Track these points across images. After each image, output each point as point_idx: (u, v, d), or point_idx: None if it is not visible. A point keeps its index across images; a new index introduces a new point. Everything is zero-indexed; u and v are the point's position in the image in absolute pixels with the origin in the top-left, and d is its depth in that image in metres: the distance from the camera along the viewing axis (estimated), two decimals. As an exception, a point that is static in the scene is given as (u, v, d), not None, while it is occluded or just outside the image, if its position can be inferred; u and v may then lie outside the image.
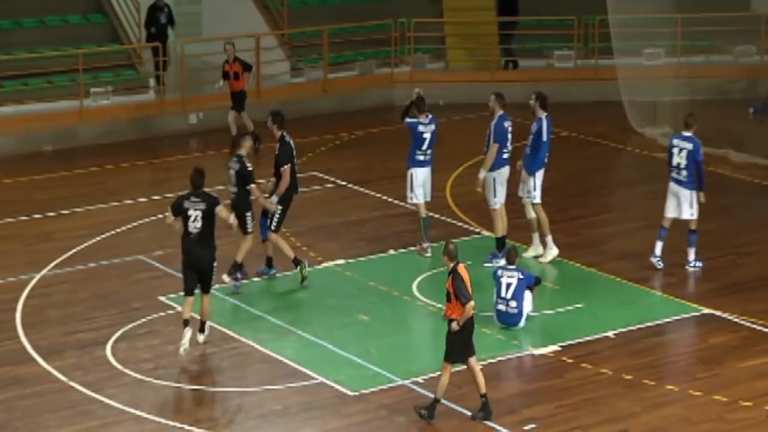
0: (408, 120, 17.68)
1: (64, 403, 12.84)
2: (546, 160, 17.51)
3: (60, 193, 20.74)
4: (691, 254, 17.52)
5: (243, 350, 15.12)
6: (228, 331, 15.53)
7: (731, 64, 27.61)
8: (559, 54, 27.38)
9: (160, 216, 19.72)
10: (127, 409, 13.51)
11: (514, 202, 18.07)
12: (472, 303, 13.16)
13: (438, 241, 18.40)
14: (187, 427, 13.21)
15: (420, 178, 17.78)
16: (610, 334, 15.54)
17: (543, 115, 17.44)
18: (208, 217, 14.52)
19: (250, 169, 16.20)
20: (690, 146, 17.15)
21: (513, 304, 15.57)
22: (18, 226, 19.34)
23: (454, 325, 13.23)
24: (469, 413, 13.50)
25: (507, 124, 17.47)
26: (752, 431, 13.33)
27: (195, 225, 14.54)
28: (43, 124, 23.15)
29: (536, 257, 17.78)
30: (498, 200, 17.59)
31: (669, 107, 23.80)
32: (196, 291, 14.68)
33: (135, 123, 24.11)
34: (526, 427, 13.30)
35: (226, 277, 16.48)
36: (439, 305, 16.24)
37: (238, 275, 16.63)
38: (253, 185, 16.22)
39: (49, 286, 16.84)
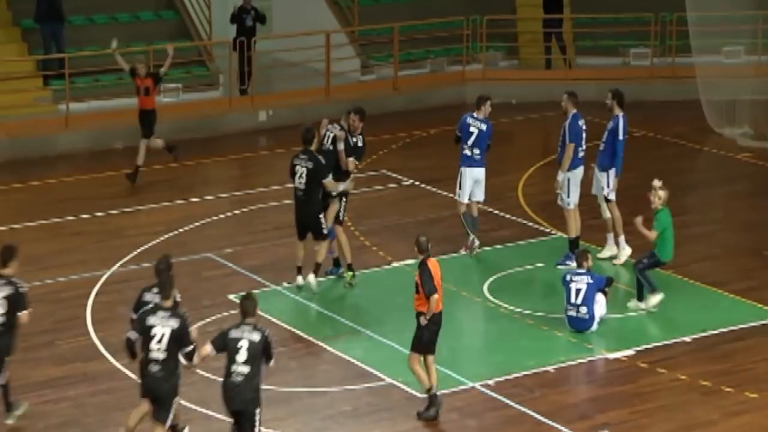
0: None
1: (133, 400, 12.76)
2: (622, 159, 17.21)
3: (131, 190, 20.76)
4: None
5: (312, 350, 15.00)
6: (297, 331, 15.42)
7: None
8: (635, 52, 26.95)
9: (229, 214, 19.73)
10: (195, 408, 13.43)
11: (587, 202, 17.77)
12: (435, 296, 13.08)
13: (510, 242, 18.19)
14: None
15: (466, 177, 17.49)
16: (687, 338, 15.22)
17: (620, 113, 17.19)
18: (313, 175, 15.75)
19: (323, 162, 16.00)
20: None
21: (583, 309, 15.26)
22: (90, 222, 19.37)
23: (422, 319, 13.16)
24: (541, 417, 13.25)
25: (581, 123, 17.23)
26: (835, 441, 12.99)
27: (300, 181, 15.79)
28: (114, 121, 23.21)
29: (611, 258, 17.49)
30: (572, 200, 17.32)
31: (748, 107, 23.32)
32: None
33: (204, 120, 24.09)
34: (599, 433, 13.07)
35: (311, 278, 16.27)
36: (511, 307, 16.02)
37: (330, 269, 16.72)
38: (326, 180, 16.03)
39: (120, 283, 16.82)
